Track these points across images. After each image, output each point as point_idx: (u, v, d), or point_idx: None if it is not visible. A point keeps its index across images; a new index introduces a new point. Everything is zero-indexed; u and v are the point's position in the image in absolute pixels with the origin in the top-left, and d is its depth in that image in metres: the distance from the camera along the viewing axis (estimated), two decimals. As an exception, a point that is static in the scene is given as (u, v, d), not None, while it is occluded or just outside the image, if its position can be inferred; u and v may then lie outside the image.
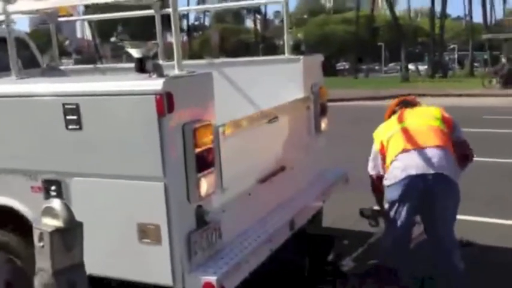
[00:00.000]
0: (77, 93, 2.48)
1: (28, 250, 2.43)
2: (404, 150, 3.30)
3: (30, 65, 4.52)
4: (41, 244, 1.92)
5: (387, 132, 3.47)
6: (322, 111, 3.82)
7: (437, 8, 38.99)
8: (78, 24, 42.66)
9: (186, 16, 48.02)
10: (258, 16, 58.95)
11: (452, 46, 49.12)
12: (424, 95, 16.79)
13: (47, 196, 2.53)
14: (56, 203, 1.97)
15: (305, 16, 61.19)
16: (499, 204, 5.77)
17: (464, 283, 3.29)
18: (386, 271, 3.40)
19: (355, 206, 3.89)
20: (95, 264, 2.21)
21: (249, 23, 65.75)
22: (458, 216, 3.37)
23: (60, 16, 4.78)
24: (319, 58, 3.97)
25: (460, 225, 3.48)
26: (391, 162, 3.35)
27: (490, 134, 9.13)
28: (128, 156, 2.38)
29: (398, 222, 3.30)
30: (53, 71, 4.54)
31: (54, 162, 2.56)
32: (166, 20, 3.81)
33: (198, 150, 2.37)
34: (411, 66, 37.75)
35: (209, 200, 2.50)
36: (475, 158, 3.53)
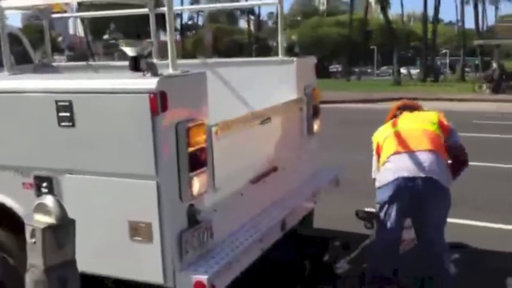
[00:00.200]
0: (70, 90, 2.47)
1: (20, 248, 2.42)
2: (396, 153, 3.33)
3: (22, 61, 4.50)
4: (33, 240, 1.92)
5: (383, 134, 3.51)
6: (315, 113, 3.84)
7: (430, 12, 39.33)
8: (70, 20, 42.39)
9: (179, 15, 47.93)
10: (252, 17, 59.02)
11: (444, 51, 49.49)
12: (415, 99, 16.85)
13: (39, 193, 2.52)
14: (48, 200, 1.97)
15: (298, 18, 61.34)
16: (490, 208, 5.83)
17: (454, 285, 3.31)
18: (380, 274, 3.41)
19: (348, 208, 3.90)
20: (86, 261, 2.21)
21: (242, 24, 65.82)
22: (450, 220, 3.40)
23: (53, 12, 4.76)
24: (312, 60, 3.99)
25: (451, 229, 3.52)
26: (383, 164, 3.38)
27: (479, 139, 9.22)
28: (120, 154, 2.38)
29: (388, 224, 3.32)
30: (45, 68, 4.52)
31: (46, 159, 2.55)
32: (159, 18, 3.82)
33: (191, 149, 2.38)
34: (403, 70, 38.02)
35: (201, 199, 2.50)
36: (466, 163, 3.56)
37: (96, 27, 45.63)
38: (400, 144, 3.35)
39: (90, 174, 2.46)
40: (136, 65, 2.48)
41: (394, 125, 3.53)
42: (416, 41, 49.14)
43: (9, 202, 2.66)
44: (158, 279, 2.37)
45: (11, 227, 2.67)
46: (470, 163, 3.54)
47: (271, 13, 64.30)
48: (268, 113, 3.22)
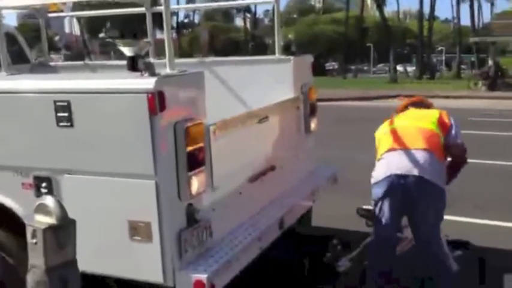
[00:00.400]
0: (69, 90, 2.48)
1: (20, 248, 2.43)
2: (391, 150, 3.34)
3: (18, 60, 4.50)
4: (34, 241, 1.92)
5: (382, 131, 3.54)
6: (312, 111, 3.85)
7: (426, 10, 39.36)
8: (66, 19, 42.23)
9: (175, 13, 47.78)
10: (248, 15, 58.95)
11: (440, 48, 49.62)
12: (411, 96, 16.88)
13: (38, 193, 2.53)
14: (49, 200, 1.98)
15: (295, 16, 61.30)
16: (488, 205, 5.85)
17: (455, 284, 3.30)
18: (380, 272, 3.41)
19: (347, 206, 3.91)
20: (85, 261, 2.22)
21: (238, 22, 65.74)
22: (448, 218, 3.40)
23: (50, 12, 4.75)
24: (309, 59, 4.00)
25: (448, 226, 3.53)
26: (378, 160, 3.40)
27: (475, 136, 9.25)
28: (119, 154, 2.39)
29: (383, 220, 3.31)
30: (42, 67, 4.52)
31: (45, 159, 2.56)
32: (155, 17, 3.81)
33: (189, 148, 2.39)
34: (399, 68, 38.06)
35: (200, 198, 2.51)
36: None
37: (92, 25, 45.47)
38: (395, 141, 3.35)
39: (89, 174, 2.47)
40: (134, 64, 2.49)
41: (393, 122, 3.54)
42: (412, 39, 49.13)
43: (9, 202, 2.67)
44: (158, 278, 2.39)
45: (11, 227, 2.68)
46: (468, 160, 3.54)
47: (267, 11, 64.35)
48: (266, 112, 3.24)
